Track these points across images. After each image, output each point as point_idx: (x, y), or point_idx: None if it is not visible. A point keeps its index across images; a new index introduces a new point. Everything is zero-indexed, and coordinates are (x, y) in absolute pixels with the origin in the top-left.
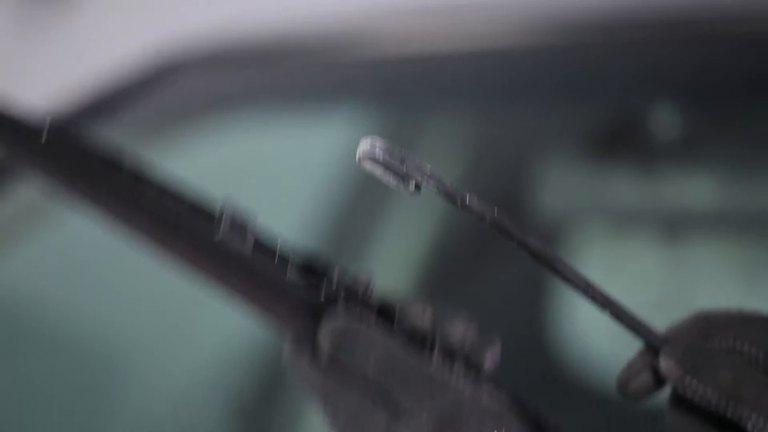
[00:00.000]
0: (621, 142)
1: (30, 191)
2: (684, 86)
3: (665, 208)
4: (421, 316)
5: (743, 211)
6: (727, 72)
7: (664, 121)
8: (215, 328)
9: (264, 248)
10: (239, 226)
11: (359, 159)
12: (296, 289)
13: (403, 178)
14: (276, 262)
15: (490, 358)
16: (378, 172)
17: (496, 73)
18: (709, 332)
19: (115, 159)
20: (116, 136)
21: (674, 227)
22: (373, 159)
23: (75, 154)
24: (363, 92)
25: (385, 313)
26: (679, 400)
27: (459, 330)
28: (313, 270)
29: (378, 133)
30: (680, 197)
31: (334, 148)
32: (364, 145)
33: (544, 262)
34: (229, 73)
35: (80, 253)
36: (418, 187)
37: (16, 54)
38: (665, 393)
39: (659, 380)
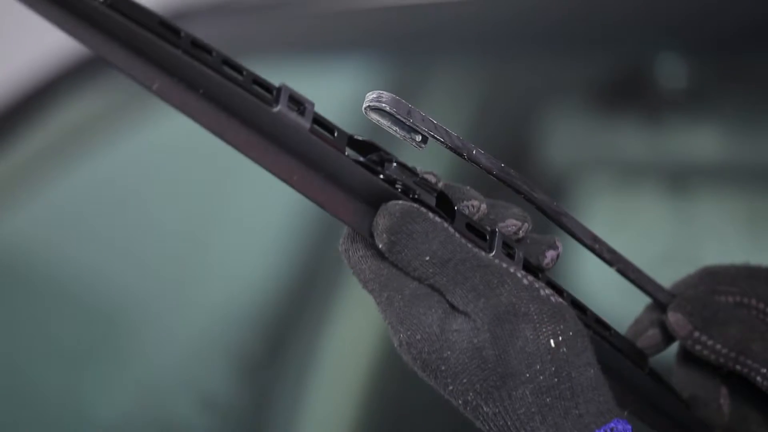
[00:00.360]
0: (627, 92)
1: (34, 144)
2: (690, 36)
3: (671, 159)
4: (478, 208)
5: (749, 163)
6: (733, 22)
7: (670, 71)
8: (221, 285)
9: (323, 126)
10: (298, 102)
11: (365, 110)
12: (354, 167)
13: (410, 130)
14: (335, 138)
15: (550, 256)
16: (384, 123)
17: (502, 22)
18: (715, 287)
19: (173, 27)
20: (122, 85)
21: (680, 179)
22: (379, 111)
23: (135, 17)
24: (370, 41)
25: (442, 204)
26: (687, 356)
27: (514, 224)
28: (372, 153)
29: (385, 81)
30: (686, 149)
31: (341, 98)
32: (371, 97)
33: (551, 217)
34: (236, 22)
35: (83, 207)
36: (424, 139)
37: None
38: (672, 349)
39: (667, 336)
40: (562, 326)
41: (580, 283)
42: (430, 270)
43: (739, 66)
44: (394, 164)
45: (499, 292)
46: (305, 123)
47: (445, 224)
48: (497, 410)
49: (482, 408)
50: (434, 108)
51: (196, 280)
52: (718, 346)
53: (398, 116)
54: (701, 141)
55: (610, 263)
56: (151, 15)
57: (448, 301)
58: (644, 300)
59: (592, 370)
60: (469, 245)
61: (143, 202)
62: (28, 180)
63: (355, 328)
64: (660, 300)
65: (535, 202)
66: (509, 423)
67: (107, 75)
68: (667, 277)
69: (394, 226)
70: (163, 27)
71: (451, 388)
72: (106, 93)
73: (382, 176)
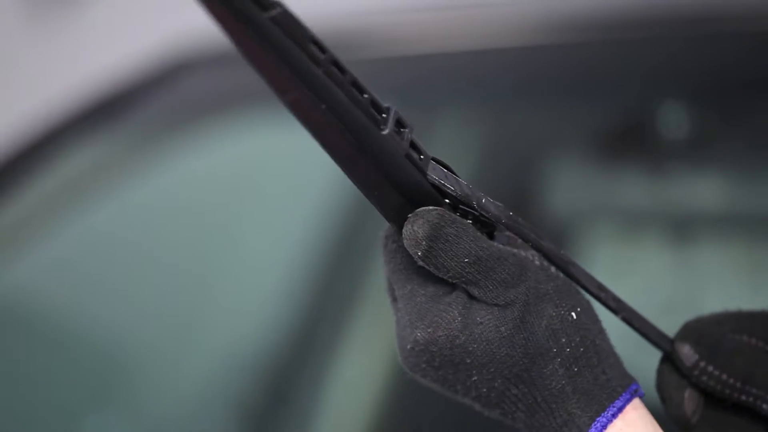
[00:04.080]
0: (629, 142)
1: (38, 195)
2: (693, 86)
3: (673, 208)
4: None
5: (751, 212)
6: (735, 72)
7: (673, 121)
8: (224, 332)
9: (416, 148)
10: (401, 125)
11: None
12: (433, 192)
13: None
14: (422, 161)
15: None
16: None
17: (506, 72)
18: (737, 328)
19: (322, 47)
20: (124, 135)
21: (682, 228)
22: (456, 201)
23: (292, 33)
24: (374, 90)
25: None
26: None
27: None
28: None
29: None
30: (688, 198)
31: None
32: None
33: (557, 265)
34: (238, 72)
35: (89, 256)
36: (435, 187)
37: (26, 53)
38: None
39: (703, 392)
40: (577, 298)
41: None
42: (467, 270)
43: (740, 115)
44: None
45: (524, 279)
46: (403, 148)
47: (469, 222)
48: (526, 390)
49: (510, 391)
50: (439, 155)
51: (199, 329)
52: (724, 376)
53: (466, 200)
54: (703, 190)
55: (615, 311)
56: (305, 32)
57: (471, 295)
58: (647, 347)
59: (607, 336)
60: (490, 240)
61: (146, 250)
62: (31, 229)
63: (358, 376)
64: (665, 349)
65: (543, 251)
66: (539, 399)
67: (108, 126)
68: (669, 325)
69: (433, 232)
70: (314, 44)
71: (475, 378)
72: (108, 144)
73: (447, 201)
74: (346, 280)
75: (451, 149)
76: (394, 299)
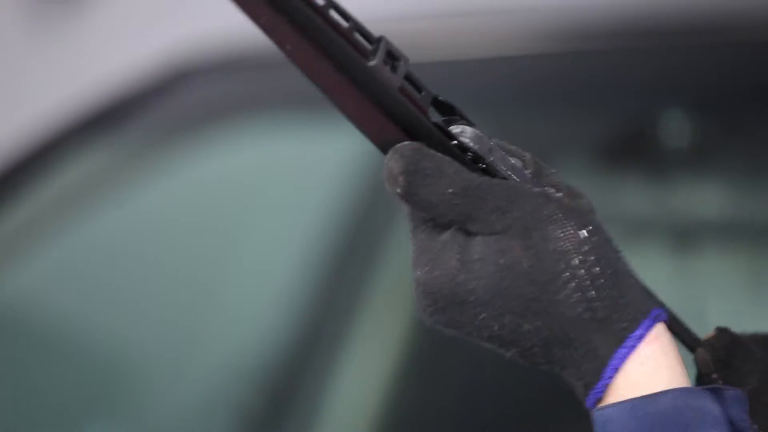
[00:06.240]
0: (631, 150)
1: (40, 202)
2: (694, 95)
3: (675, 217)
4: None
5: (753, 221)
6: (737, 80)
7: (675, 129)
8: (226, 339)
9: (413, 83)
10: (394, 57)
11: None
12: (432, 129)
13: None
14: (421, 97)
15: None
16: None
17: (507, 81)
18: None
19: None
20: (128, 142)
21: (684, 237)
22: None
23: None
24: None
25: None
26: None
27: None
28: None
29: None
30: (690, 207)
31: (347, 155)
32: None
33: None
34: (242, 79)
35: (90, 262)
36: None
37: (28, 59)
38: None
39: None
40: (586, 217)
41: None
42: (454, 201)
43: (742, 124)
44: (470, 130)
45: (520, 204)
46: (396, 81)
47: (450, 158)
48: (540, 322)
49: (522, 327)
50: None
51: (202, 336)
52: None
53: (479, 153)
54: (705, 199)
55: None
56: None
57: (466, 230)
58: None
59: (623, 257)
60: (478, 173)
61: (149, 258)
62: (34, 236)
63: (361, 384)
64: (689, 343)
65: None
66: (556, 329)
67: (112, 133)
68: None
69: (408, 165)
70: None
71: (483, 315)
72: (112, 151)
73: (455, 141)
74: (350, 288)
75: None
76: None
